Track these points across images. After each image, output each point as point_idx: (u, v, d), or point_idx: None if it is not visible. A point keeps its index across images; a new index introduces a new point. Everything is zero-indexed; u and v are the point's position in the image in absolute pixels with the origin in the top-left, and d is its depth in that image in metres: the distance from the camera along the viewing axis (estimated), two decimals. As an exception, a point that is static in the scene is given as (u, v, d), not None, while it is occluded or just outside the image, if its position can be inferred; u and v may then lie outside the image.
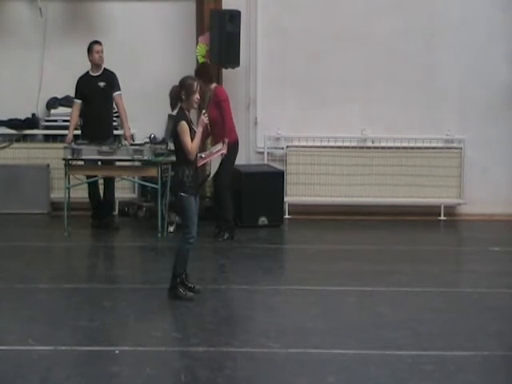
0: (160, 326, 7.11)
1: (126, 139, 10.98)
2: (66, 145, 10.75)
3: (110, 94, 11.04)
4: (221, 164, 9.56)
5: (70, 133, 10.90)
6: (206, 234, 10.03)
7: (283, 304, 7.83)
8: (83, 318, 7.27)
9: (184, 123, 7.73)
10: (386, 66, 12.23)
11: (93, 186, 11.08)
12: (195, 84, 7.85)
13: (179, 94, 7.80)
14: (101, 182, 11.12)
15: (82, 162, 10.77)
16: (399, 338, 6.79)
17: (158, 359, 6.26)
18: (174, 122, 7.98)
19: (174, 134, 7.89)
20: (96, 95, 10.92)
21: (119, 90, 11.04)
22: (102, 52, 10.95)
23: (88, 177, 11.02)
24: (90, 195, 11.15)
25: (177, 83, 7.91)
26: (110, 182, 11.17)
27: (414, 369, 6.15)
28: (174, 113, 8.00)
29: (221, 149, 8.71)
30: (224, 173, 10.05)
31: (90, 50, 10.94)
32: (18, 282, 8.33)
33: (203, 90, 10.39)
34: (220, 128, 10.21)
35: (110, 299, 7.80)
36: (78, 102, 10.96)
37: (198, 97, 7.88)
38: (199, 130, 7.84)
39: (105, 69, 11.06)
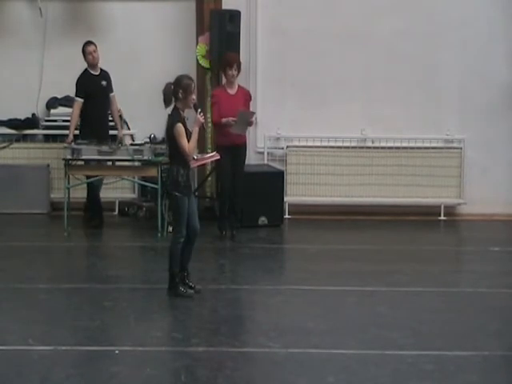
0: (160, 325, 7.11)
1: (120, 140, 11.05)
2: (65, 145, 10.77)
3: (109, 93, 11.10)
4: (241, 165, 10.28)
5: (70, 133, 10.88)
6: (206, 234, 10.02)
7: (283, 304, 7.82)
8: (83, 317, 7.27)
9: (180, 125, 7.75)
10: (386, 66, 12.23)
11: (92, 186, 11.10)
12: (193, 84, 7.88)
13: (176, 93, 7.79)
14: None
15: (81, 162, 10.77)
16: (399, 338, 6.79)
17: (158, 359, 6.26)
18: (169, 122, 7.94)
19: (169, 134, 7.90)
20: (99, 94, 10.96)
21: (113, 90, 11.15)
22: (94, 52, 10.96)
23: (88, 177, 11.02)
24: (89, 195, 11.14)
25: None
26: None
27: (413, 369, 6.15)
28: (168, 110, 8.00)
29: (214, 155, 8.72)
30: (243, 174, 10.43)
31: (83, 52, 10.97)
32: (18, 281, 8.33)
33: (232, 79, 10.39)
34: None
35: (109, 299, 7.80)
36: (81, 100, 10.93)
37: (194, 97, 7.91)
38: (195, 130, 7.85)
39: (101, 68, 11.11)
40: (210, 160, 8.85)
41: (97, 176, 10.99)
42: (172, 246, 7.90)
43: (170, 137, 7.86)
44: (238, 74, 10.35)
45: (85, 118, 10.99)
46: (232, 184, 10.34)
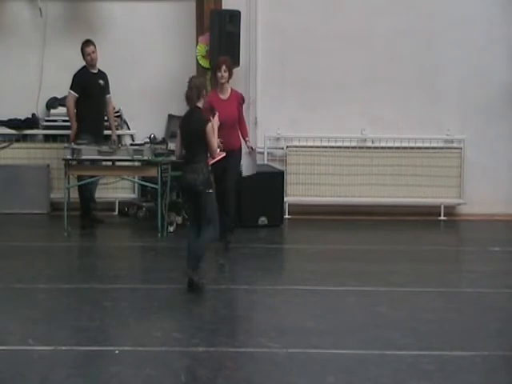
0: (160, 325, 7.10)
1: (114, 141, 11.05)
2: (65, 145, 10.78)
3: (106, 93, 11.13)
4: (233, 169, 9.78)
5: (73, 129, 10.88)
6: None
7: (283, 304, 7.82)
8: (83, 317, 7.27)
9: (211, 124, 7.99)
10: (386, 66, 12.24)
11: (90, 186, 11.08)
12: None
13: (200, 92, 8.02)
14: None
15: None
16: (399, 338, 6.79)
17: (158, 359, 6.26)
18: (196, 120, 8.02)
19: (197, 132, 7.98)
20: (96, 92, 10.98)
21: (110, 92, 11.16)
22: (93, 52, 10.96)
23: (80, 177, 10.92)
24: (84, 194, 11.06)
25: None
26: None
27: (414, 369, 6.14)
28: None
29: (221, 153, 8.76)
30: (238, 176, 10.08)
31: (81, 51, 10.97)
32: (18, 281, 8.32)
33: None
34: (235, 129, 9.91)
35: (109, 299, 7.79)
36: (75, 94, 10.91)
37: None
38: (215, 130, 8.10)
39: (99, 69, 11.12)
40: (219, 158, 8.82)
41: (96, 176, 10.99)
42: (207, 242, 8.08)
43: (199, 135, 7.96)
44: (229, 77, 9.85)
45: (81, 115, 10.93)
46: (222, 187, 10.20)
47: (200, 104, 8.05)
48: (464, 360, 6.37)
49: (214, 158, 8.26)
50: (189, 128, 8.04)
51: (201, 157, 8.01)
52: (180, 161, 8.52)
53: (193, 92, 7.98)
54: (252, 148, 10.05)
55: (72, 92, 10.94)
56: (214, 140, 8.01)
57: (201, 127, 7.95)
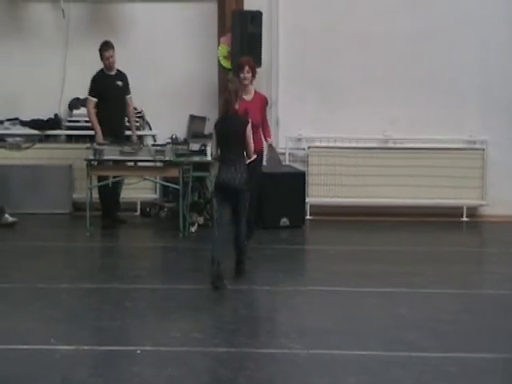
0: (181, 326, 7.11)
1: (134, 142, 11.07)
2: (88, 145, 10.83)
3: (125, 93, 11.14)
4: (259, 170, 9.45)
5: (97, 131, 10.90)
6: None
7: (304, 305, 7.82)
8: (104, 317, 7.29)
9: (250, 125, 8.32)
10: (408, 66, 12.19)
11: (112, 187, 11.12)
12: None
13: (237, 97, 8.36)
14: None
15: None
16: (420, 340, 6.76)
17: (179, 359, 6.27)
18: (236, 121, 8.31)
19: (239, 133, 8.24)
20: (114, 93, 10.99)
21: (130, 92, 11.16)
22: (111, 57, 10.96)
23: (101, 177, 10.92)
24: (105, 195, 11.09)
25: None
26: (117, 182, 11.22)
27: (437, 371, 6.11)
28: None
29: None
30: (259, 178, 9.65)
31: (100, 54, 10.98)
32: (41, 281, 8.36)
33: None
34: (258, 131, 9.37)
35: (130, 299, 7.81)
36: (95, 100, 10.94)
37: None
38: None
39: (118, 69, 11.13)
40: (252, 159, 8.79)
41: (118, 176, 11.04)
42: (245, 233, 8.51)
43: (239, 135, 8.24)
44: (252, 78, 9.43)
45: (100, 118, 10.96)
46: None
47: (236, 107, 8.31)
48: (486, 362, 6.34)
49: (250, 158, 8.42)
50: (229, 129, 8.28)
51: (241, 157, 8.26)
52: (216, 161, 8.68)
53: (232, 96, 8.28)
54: (271, 145, 9.74)
55: (90, 97, 10.98)
56: (252, 141, 8.29)
57: (241, 128, 8.24)
